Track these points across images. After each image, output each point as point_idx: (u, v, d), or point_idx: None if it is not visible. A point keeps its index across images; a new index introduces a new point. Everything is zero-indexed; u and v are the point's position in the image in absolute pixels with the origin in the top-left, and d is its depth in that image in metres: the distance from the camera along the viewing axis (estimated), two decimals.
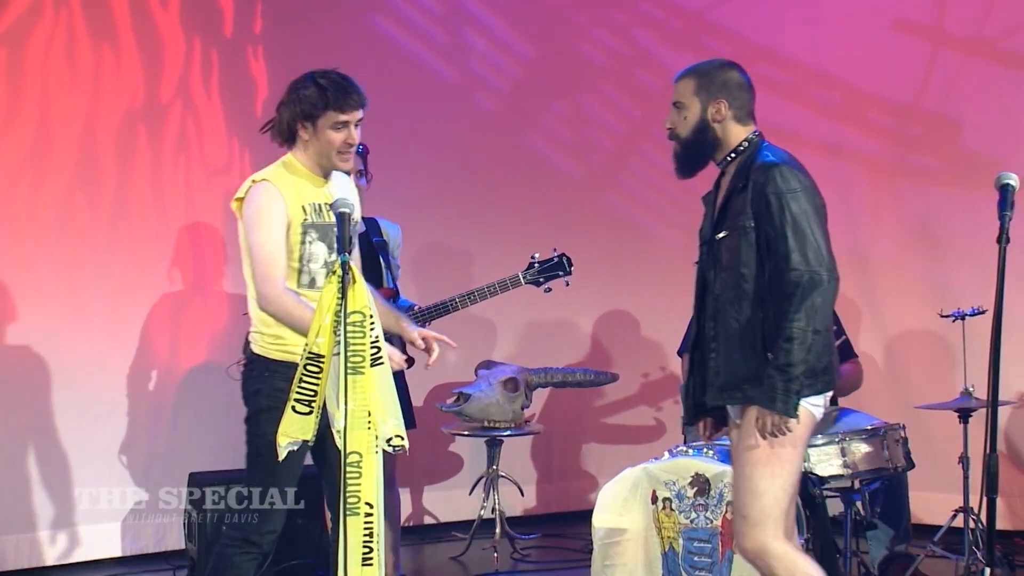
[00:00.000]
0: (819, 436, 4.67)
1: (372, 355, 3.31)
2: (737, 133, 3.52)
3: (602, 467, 6.99)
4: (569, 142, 7.22)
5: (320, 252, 3.82)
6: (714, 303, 3.47)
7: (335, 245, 3.79)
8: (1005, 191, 3.25)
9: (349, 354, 3.28)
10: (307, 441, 3.41)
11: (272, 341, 3.80)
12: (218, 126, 6.29)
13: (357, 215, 3.91)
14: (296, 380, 3.38)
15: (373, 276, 5.13)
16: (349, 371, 3.28)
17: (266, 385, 3.77)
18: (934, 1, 6.47)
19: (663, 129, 3.61)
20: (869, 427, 4.78)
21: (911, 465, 4.82)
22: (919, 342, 6.34)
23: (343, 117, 3.79)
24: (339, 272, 3.27)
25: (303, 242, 3.79)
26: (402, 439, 3.37)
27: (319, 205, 3.83)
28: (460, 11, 6.98)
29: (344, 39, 6.51)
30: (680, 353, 5.66)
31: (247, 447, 3.82)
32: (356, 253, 3.95)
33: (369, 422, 3.33)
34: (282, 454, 3.45)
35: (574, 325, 7.02)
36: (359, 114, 3.82)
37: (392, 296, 5.14)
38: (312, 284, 3.79)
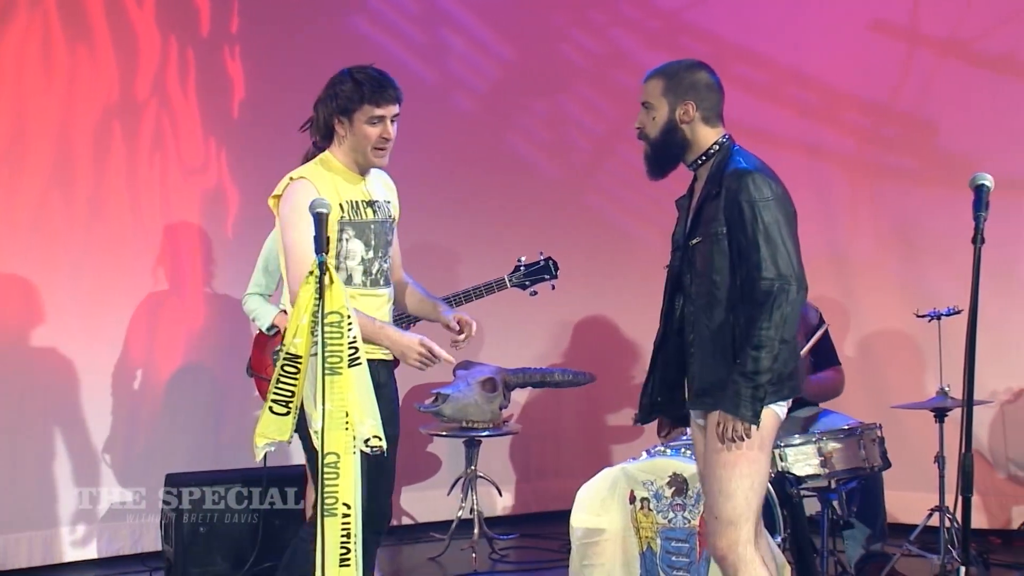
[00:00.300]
0: (796, 436, 4.69)
1: (350, 355, 3.32)
2: (706, 135, 3.53)
3: (580, 467, 6.99)
4: (547, 143, 7.23)
5: (357, 250, 3.81)
6: (690, 308, 3.49)
7: (372, 242, 3.82)
8: (980, 191, 3.27)
9: (327, 354, 3.29)
10: (288, 442, 3.42)
11: None
12: (194, 125, 6.28)
13: (395, 211, 3.95)
14: (273, 381, 3.39)
15: None
16: (327, 371, 3.28)
17: None
18: (909, 2, 6.51)
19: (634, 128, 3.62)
20: (846, 427, 4.81)
21: (887, 464, 4.85)
22: (895, 342, 6.38)
23: (379, 112, 3.78)
24: (316, 272, 3.28)
25: (340, 239, 3.78)
26: (380, 439, 3.38)
27: (356, 202, 3.82)
28: (437, 11, 6.98)
29: (321, 39, 6.50)
30: None
31: (305, 449, 3.79)
32: (395, 250, 3.97)
33: (346, 423, 3.33)
34: (258, 455, 3.45)
35: (552, 325, 7.03)
36: (395, 109, 3.81)
37: None
38: (349, 282, 3.77)
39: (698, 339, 3.47)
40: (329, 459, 3.30)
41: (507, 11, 7.11)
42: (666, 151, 3.55)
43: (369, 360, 3.50)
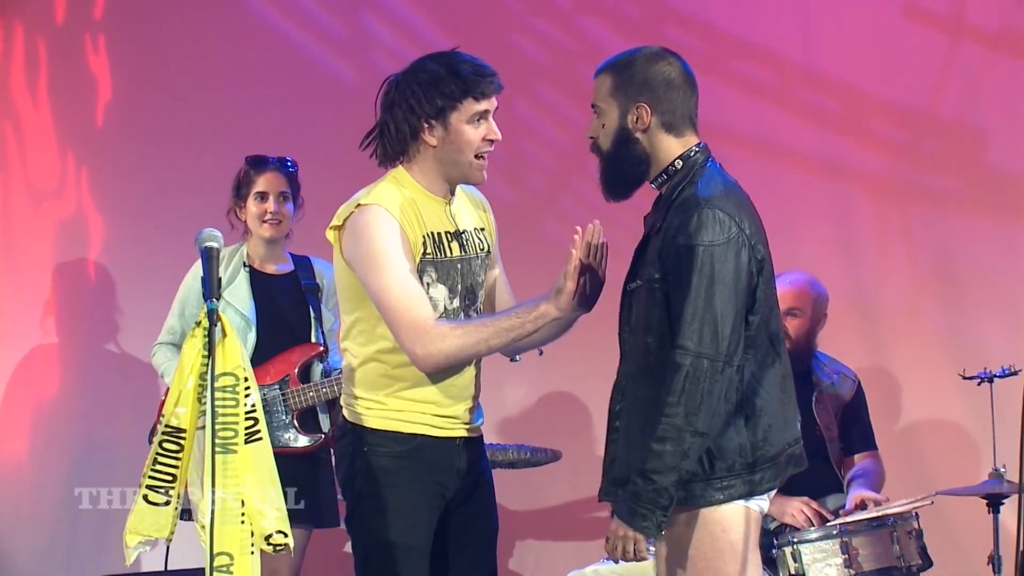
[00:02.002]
0: (814, 529, 4.73)
1: (247, 428, 3.33)
2: (670, 147, 3.51)
3: (540, 568, 6.99)
4: (498, 158, 7.22)
5: (439, 298, 3.79)
6: (621, 371, 3.51)
7: (458, 287, 3.81)
8: None
9: (217, 427, 3.29)
10: (167, 540, 3.41)
11: (369, 407, 3.81)
12: (46, 137, 6.27)
13: (490, 240, 3.94)
14: (149, 462, 3.39)
15: (300, 328, 5.16)
16: (217, 449, 3.28)
17: (364, 463, 3.77)
18: None
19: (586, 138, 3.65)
20: (874, 516, 4.84)
21: (928, 563, 4.88)
22: (937, 410, 6.42)
23: (483, 106, 3.76)
24: (206, 323, 3.28)
25: (420, 283, 3.75)
26: (285, 536, 3.38)
27: (440, 235, 3.80)
28: None
29: (211, 28, 6.51)
30: None
31: (353, 551, 3.85)
32: (501, 286, 4.01)
33: (243, 515, 3.33)
34: (130, 557, 3.44)
35: (502, 391, 7.04)
36: (495, 100, 3.80)
37: (320, 354, 5.16)
38: None
39: (626, 412, 3.47)
40: (220, 561, 3.29)
41: None
42: (620, 168, 3.55)
43: (447, 439, 3.73)
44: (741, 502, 3.39)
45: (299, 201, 5.22)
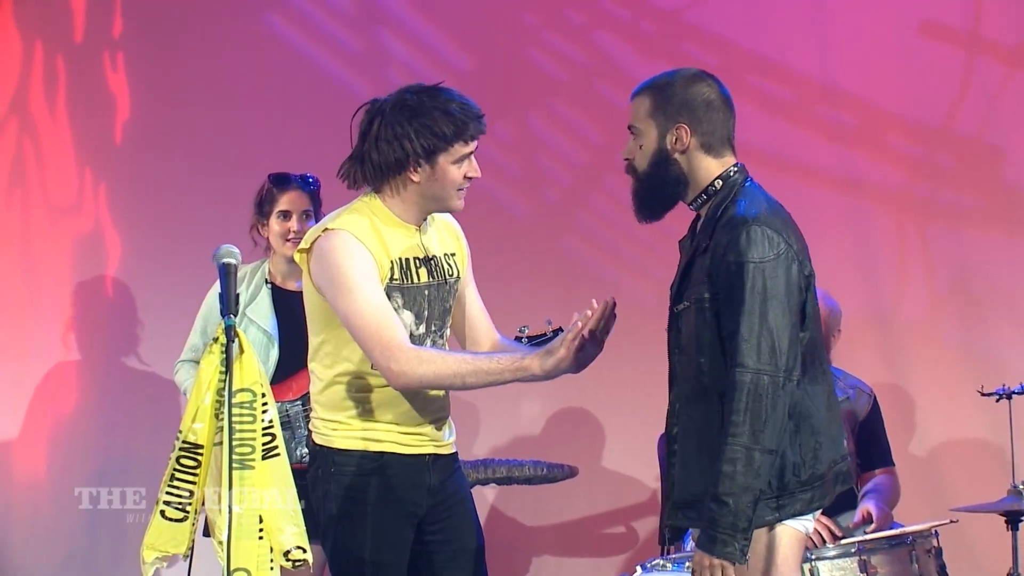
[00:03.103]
0: (832, 547, 4.71)
1: (264, 444, 3.32)
2: (708, 167, 3.51)
3: None
4: (515, 173, 7.26)
5: (407, 322, 3.80)
6: (675, 394, 3.50)
7: (424, 312, 3.82)
8: None
9: (235, 443, 3.29)
10: (184, 556, 3.41)
11: (334, 427, 3.83)
12: (66, 153, 6.29)
13: (460, 266, 3.96)
14: (166, 478, 3.39)
15: (299, 350, 5.16)
16: (235, 465, 3.28)
17: (333, 484, 3.79)
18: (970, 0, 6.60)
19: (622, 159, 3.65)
20: (894, 534, 4.83)
21: None
22: (955, 427, 6.41)
23: (470, 147, 3.82)
24: (223, 339, 3.28)
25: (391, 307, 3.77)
26: (304, 551, 3.38)
27: (407, 261, 3.82)
28: (376, 10, 7.03)
29: (228, 45, 6.53)
30: (661, 445, 5.69)
31: (330, 571, 3.86)
32: (476, 312, 4.05)
33: (261, 531, 3.33)
34: (147, 573, 3.44)
35: (518, 407, 7.03)
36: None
37: None
38: None
39: (682, 435, 3.46)
40: None
41: (463, 10, 7.17)
42: (658, 189, 3.54)
43: (415, 455, 3.73)
44: (790, 522, 3.39)
45: (321, 218, 5.22)
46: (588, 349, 3.67)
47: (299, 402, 5.05)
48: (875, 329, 6.56)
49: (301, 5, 6.87)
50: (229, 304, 3.35)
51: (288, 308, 5.13)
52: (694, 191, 3.54)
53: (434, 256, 3.89)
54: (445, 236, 3.98)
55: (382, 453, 3.80)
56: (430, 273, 3.85)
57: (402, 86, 3.88)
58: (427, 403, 3.84)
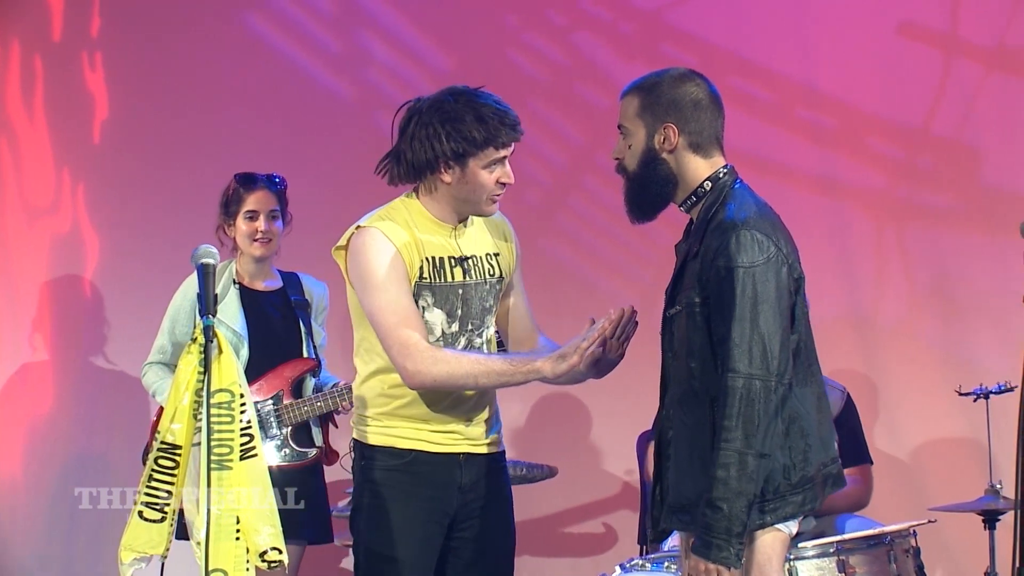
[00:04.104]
0: (809, 547, 4.72)
1: (242, 445, 3.32)
2: (697, 168, 3.51)
3: None
4: None
5: (436, 321, 3.84)
6: (667, 398, 3.51)
7: (458, 311, 3.84)
8: None
9: (213, 444, 3.28)
10: (163, 556, 3.40)
11: (368, 423, 3.89)
12: (43, 153, 6.27)
13: (505, 266, 3.96)
14: (144, 478, 3.38)
15: (291, 343, 5.16)
16: (213, 466, 3.28)
17: (363, 478, 3.87)
18: (947, 1, 6.61)
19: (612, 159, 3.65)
20: (872, 534, 4.84)
21: None
22: (933, 426, 6.42)
23: (502, 153, 3.82)
24: (202, 339, 3.28)
25: (417, 308, 3.80)
26: (280, 552, 3.37)
27: (440, 260, 3.84)
28: (356, 10, 7.02)
29: (206, 45, 6.52)
30: (640, 444, 5.69)
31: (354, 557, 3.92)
32: (520, 313, 4.04)
33: (237, 531, 3.32)
34: (125, 574, 3.43)
35: (500, 406, 7.03)
36: (513, 146, 3.86)
37: (313, 369, 5.17)
38: None
39: (675, 439, 3.47)
40: None
41: (443, 11, 7.16)
42: (648, 189, 3.54)
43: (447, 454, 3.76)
44: (779, 525, 3.40)
45: (287, 217, 5.22)
46: (607, 357, 3.67)
47: (270, 401, 5.05)
48: (853, 329, 6.57)
49: (281, 5, 6.86)
50: (208, 304, 3.36)
51: (256, 308, 5.14)
52: (684, 192, 3.54)
53: (472, 255, 3.90)
54: (490, 236, 3.99)
55: (411, 451, 3.84)
56: (465, 272, 3.87)
57: (445, 87, 3.90)
58: (459, 401, 3.87)
